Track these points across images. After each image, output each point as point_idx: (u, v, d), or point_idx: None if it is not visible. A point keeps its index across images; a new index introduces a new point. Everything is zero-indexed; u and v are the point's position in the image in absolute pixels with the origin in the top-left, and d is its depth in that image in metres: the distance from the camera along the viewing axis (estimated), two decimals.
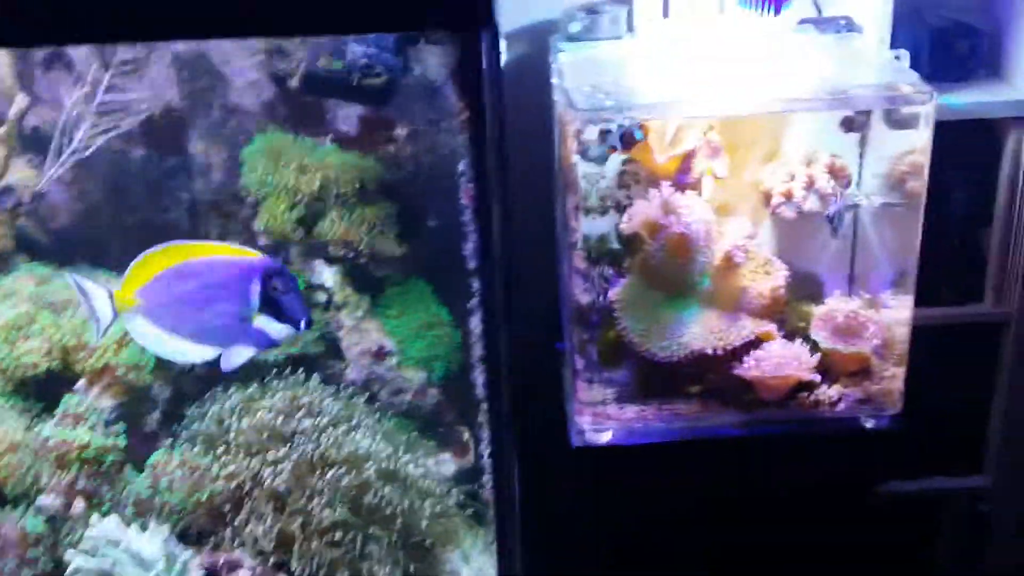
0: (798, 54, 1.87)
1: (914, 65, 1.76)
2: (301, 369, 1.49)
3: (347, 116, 1.59)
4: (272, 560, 1.36)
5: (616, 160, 1.92)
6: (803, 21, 1.94)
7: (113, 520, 1.40)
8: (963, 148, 2.06)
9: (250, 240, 1.57)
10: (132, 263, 1.41)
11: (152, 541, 1.34)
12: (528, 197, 1.85)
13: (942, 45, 2.04)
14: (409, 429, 1.54)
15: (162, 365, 1.49)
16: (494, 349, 1.05)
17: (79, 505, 1.46)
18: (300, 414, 1.43)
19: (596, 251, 1.91)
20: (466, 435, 1.73)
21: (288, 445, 1.39)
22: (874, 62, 1.81)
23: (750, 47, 1.89)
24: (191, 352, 1.41)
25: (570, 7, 1.99)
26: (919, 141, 1.73)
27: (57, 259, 1.67)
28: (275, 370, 1.48)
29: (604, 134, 1.63)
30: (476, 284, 1.03)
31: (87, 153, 1.55)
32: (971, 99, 1.99)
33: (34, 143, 1.65)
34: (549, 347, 2.03)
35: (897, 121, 1.85)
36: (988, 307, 2.14)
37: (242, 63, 1.53)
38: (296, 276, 1.55)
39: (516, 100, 2.10)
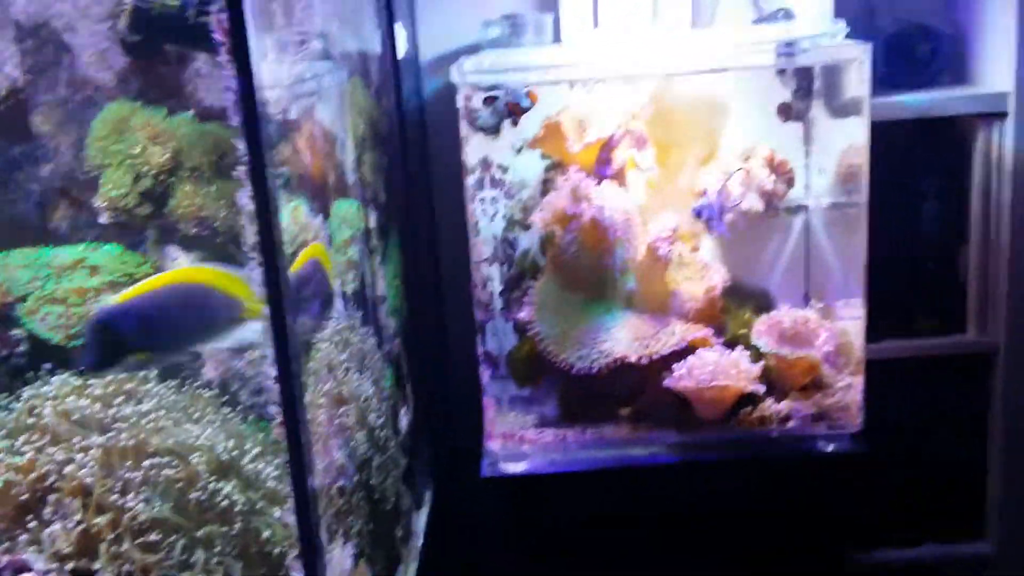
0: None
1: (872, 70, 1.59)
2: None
3: (210, 87, 1.42)
4: (73, 565, 1.13)
5: (539, 168, 1.76)
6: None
7: None
8: (931, 155, 1.87)
9: (93, 221, 1.39)
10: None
11: None
12: None
13: (901, 49, 1.87)
14: (268, 431, 1.32)
15: None
16: (282, 341, 0.87)
17: None
18: (120, 400, 1.22)
19: (519, 265, 1.73)
20: None
21: (103, 434, 1.18)
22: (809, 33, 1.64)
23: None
24: None
25: (491, 18, 1.86)
26: (860, 130, 1.54)
27: None
28: None
29: (491, 101, 1.47)
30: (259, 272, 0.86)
31: None
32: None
33: None
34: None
35: (838, 109, 1.67)
36: (972, 337, 1.90)
37: (89, 30, 1.38)
38: None
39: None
